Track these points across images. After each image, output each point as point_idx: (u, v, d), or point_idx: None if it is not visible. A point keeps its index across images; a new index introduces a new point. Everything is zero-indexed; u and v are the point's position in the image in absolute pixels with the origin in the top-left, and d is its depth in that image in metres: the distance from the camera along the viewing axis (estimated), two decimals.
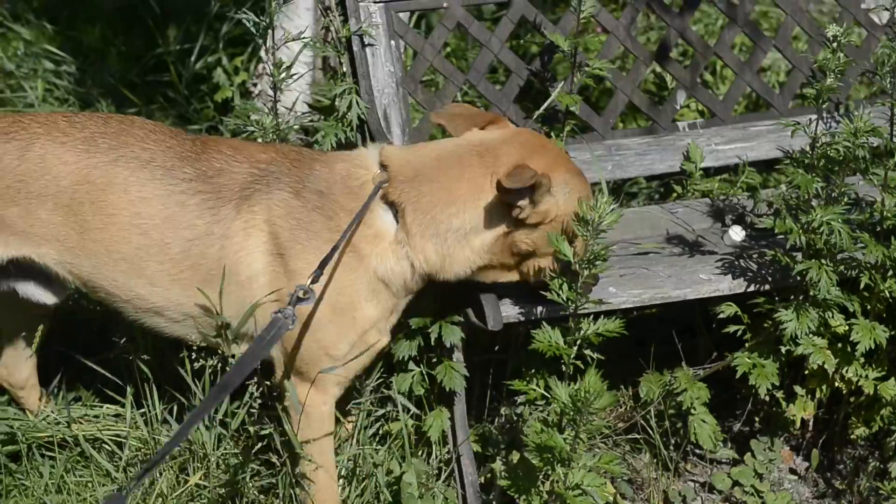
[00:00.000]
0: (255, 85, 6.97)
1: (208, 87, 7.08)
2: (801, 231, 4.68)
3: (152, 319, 4.57)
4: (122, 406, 4.96)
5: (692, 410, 5.09)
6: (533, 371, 4.90)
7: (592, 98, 6.70)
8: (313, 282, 4.25)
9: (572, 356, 4.38)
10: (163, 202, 4.42)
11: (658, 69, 6.49)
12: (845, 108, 5.43)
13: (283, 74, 5.02)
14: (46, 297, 4.73)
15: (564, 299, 4.32)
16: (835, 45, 4.38)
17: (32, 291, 4.71)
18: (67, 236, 4.46)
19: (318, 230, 4.39)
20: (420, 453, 4.94)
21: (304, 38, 5.15)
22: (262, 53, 7.03)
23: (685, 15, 5.58)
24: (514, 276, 4.53)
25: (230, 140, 4.66)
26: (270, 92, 6.94)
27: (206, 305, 4.43)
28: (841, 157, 4.58)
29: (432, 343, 4.77)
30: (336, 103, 5.22)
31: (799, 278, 4.78)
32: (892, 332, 4.95)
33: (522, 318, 4.68)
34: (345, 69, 5.30)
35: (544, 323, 4.46)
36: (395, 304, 4.53)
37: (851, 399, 5.16)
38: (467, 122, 4.59)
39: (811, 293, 4.78)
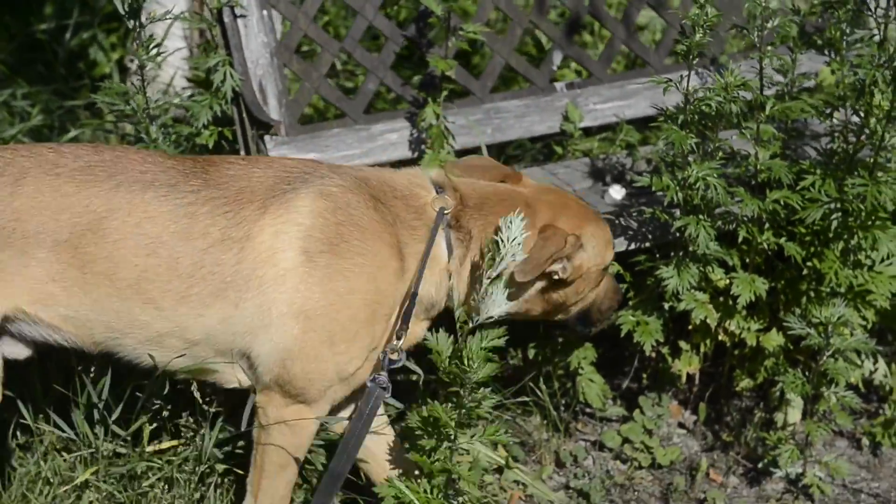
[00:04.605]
0: (132, 61, 6.88)
1: (86, 65, 6.97)
2: (677, 187, 4.71)
3: (153, 351, 4.23)
4: None
5: (580, 370, 5.12)
6: None
7: (475, 62, 6.68)
8: (398, 338, 4.12)
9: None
10: (170, 217, 4.14)
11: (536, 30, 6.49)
12: (718, 64, 5.45)
13: (154, 51, 4.91)
14: (21, 351, 4.30)
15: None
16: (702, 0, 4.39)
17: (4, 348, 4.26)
18: (66, 274, 4.12)
19: (373, 231, 4.19)
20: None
21: (171, 14, 5.05)
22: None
23: None
24: (536, 318, 4.53)
25: (243, 156, 4.39)
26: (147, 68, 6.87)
27: (217, 323, 4.16)
28: (714, 113, 4.60)
29: None
30: (210, 77, 5.16)
31: (678, 234, 4.82)
32: (772, 284, 5.01)
33: None
34: (218, 42, 5.24)
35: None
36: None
37: (735, 352, 5.22)
38: (484, 174, 4.48)
39: (690, 249, 4.81)
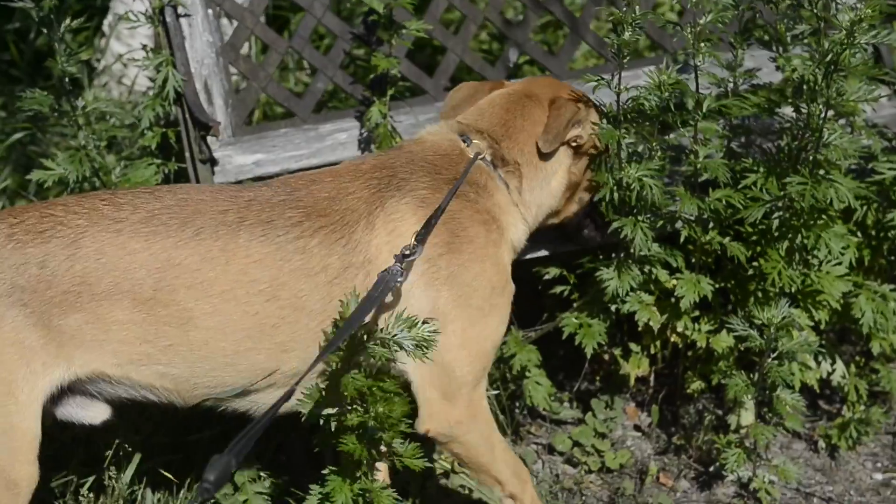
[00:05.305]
0: (98, 60, 6.85)
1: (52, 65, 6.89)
2: (614, 187, 4.60)
3: (269, 396, 4.07)
4: None
5: (527, 373, 5.03)
6: None
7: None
8: (417, 240, 4.02)
9: None
10: (280, 257, 3.99)
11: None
12: (673, 60, 5.33)
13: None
14: (97, 414, 4.11)
15: None
16: None
17: (77, 412, 4.08)
18: (161, 333, 3.94)
19: (468, 217, 4.19)
20: None
21: (133, 13, 5.04)
22: (106, 28, 6.93)
23: None
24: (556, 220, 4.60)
25: (314, 172, 4.26)
26: (113, 67, 6.85)
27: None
28: (650, 112, 4.49)
29: None
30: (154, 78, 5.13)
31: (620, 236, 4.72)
32: (722, 285, 4.90)
33: None
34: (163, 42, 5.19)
35: None
36: None
37: (689, 353, 5.11)
38: (480, 95, 4.56)
39: (631, 250, 4.71)
